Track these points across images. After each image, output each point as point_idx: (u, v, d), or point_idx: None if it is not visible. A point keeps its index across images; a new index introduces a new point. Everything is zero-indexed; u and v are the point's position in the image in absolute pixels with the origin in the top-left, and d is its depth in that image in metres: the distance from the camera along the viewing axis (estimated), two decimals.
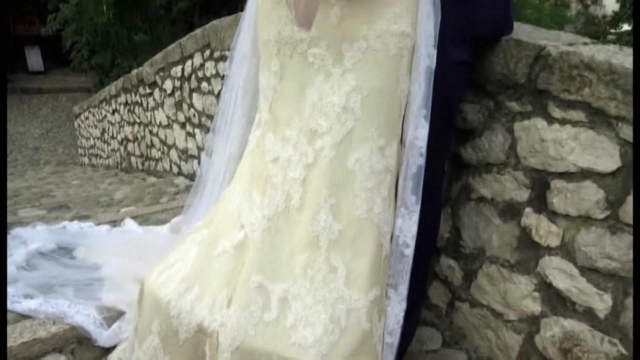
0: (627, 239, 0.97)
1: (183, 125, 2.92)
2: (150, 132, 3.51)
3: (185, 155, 2.97)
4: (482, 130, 1.20)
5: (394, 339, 0.99)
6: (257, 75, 1.10)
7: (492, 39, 1.11)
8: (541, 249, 1.11)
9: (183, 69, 2.75)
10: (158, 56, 3.08)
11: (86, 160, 6.06)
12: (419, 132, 0.98)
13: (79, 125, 6.23)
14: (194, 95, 2.68)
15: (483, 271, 1.25)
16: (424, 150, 0.97)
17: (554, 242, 1.08)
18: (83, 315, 1.29)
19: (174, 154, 3.15)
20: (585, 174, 1.01)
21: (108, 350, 1.24)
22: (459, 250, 1.31)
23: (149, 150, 3.65)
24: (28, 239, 1.71)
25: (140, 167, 3.93)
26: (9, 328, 1.23)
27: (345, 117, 0.93)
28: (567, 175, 1.04)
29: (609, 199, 0.98)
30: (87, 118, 5.64)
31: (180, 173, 3.09)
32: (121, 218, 2.00)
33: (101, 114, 4.86)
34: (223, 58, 2.30)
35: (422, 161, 0.98)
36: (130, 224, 1.84)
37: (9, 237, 1.72)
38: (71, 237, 1.71)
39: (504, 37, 1.10)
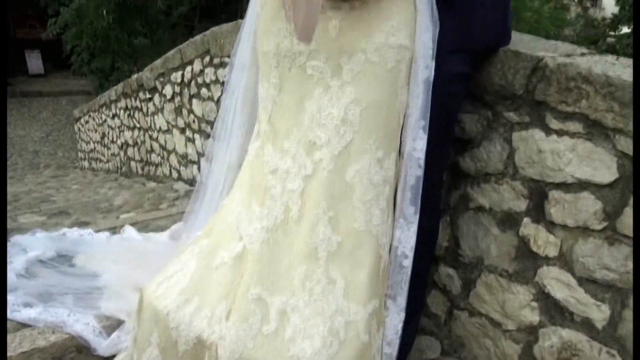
0: (625, 250, 0.97)
1: (183, 131, 2.92)
2: (150, 137, 3.52)
3: (185, 160, 2.98)
4: (481, 140, 1.20)
5: (392, 350, 0.99)
6: (257, 84, 1.10)
7: (489, 51, 1.11)
8: (539, 259, 1.12)
9: (183, 75, 2.76)
10: (158, 61, 3.09)
11: (86, 164, 6.07)
12: (417, 144, 0.98)
13: (79, 129, 6.24)
14: (194, 101, 2.69)
15: (482, 280, 1.25)
16: (422, 161, 0.98)
17: (552, 252, 1.09)
18: (82, 324, 1.29)
19: (173, 159, 3.15)
20: (582, 185, 1.02)
21: (107, 359, 1.25)
22: (457, 259, 1.31)
23: (148, 155, 3.66)
24: (27, 247, 1.71)
25: (140, 171, 3.93)
26: (9, 337, 1.23)
27: (344, 129, 0.93)
28: (564, 186, 1.05)
29: (606, 210, 0.99)
30: (87, 122, 5.64)
31: (180, 178, 3.09)
32: (121, 224, 2.01)
33: (101, 118, 4.87)
34: (223, 65, 2.31)
35: (420, 172, 0.99)
36: (129, 231, 1.84)
37: (8, 244, 1.72)
38: (71, 245, 1.71)
39: (501, 49, 1.11)
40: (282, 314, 0.90)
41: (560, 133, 1.04)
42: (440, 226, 1.27)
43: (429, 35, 0.95)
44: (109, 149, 4.83)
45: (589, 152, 0.99)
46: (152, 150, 3.56)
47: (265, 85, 1.03)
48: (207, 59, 2.45)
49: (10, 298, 1.37)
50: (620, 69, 0.98)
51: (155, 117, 3.31)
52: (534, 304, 1.14)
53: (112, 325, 1.30)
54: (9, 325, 1.29)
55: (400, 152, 1.01)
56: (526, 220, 1.13)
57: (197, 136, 2.75)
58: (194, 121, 2.73)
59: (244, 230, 0.99)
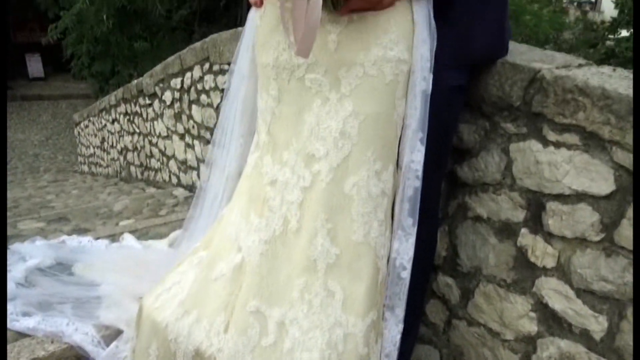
0: (622, 261, 0.97)
1: (182, 137, 2.93)
2: (150, 142, 3.52)
3: (184, 166, 2.98)
4: (478, 150, 1.21)
5: None
6: (256, 95, 1.11)
7: (487, 62, 1.12)
8: (537, 270, 1.12)
9: (182, 81, 2.76)
10: (158, 67, 3.10)
11: (86, 168, 6.07)
12: (415, 156, 0.98)
13: (79, 133, 6.24)
14: (193, 107, 2.69)
15: (480, 290, 1.26)
16: (420, 173, 0.98)
17: (550, 263, 1.09)
18: (81, 334, 1.29)
19: (173, 164, 3.16)
20: (580, 197, 1.02)
21: None
22: (456, 268, 1.31)
23: (148, 160, 3.66)
24: (27, 255, 1.71)
25: (139, 176, 3.94)
26: (7, 347, 1.24)
27: (343, 142, 0.94)
28: (562, 197, 1.05)
29: (603, 222, 0.99)
30: (86, 126, 5.65)
31: (179, 184, 3.10)
32: (120, 232, 2.01)
33: (101, 123, 4.87)
34: (222, 72, 2.32)
35: (418, 184, 0.99)
36: (128, 239, 1.84)
37: (7, 252, 1.72)
38: (70, 253, 1.72)
39: (499, 60, 1.11)
40: (280, 327, 0.90)
41: (557, 145, 1.04)
42: (438, 235, 1.28)
43: (427, 48, 0.96)
44: (108, 153, 4.83)
45: (586, 163, 1.00)
46: (151, 156, 3.57)
47: (265, 97, 1.03)
48: (206, 65, 2.46)
49: (9, 307, 1.37)
50: (617, 81, 0.99)
51: (155, 122, 3.32)
52: (532, 314, 1.14)
53: (111, 334, 1.31)
54: (7, 334, 1.29)
55: (398, 164, 1.01)
56: (524, 230, 1.14)
57: (196, 142, 2.76)
58: (193, 127, 2.74)
59: (243, 242, 0.99)
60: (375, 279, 0.95)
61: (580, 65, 1.11)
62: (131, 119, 3.84)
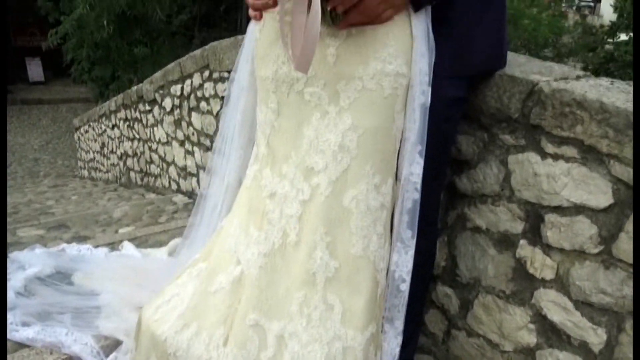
0: (620, 274, 0.98)
1: (182, 143, 2.93)
2: (150, 148, 3.53)
3: (184, 172, 2.99)
4: (477, 161, 1.21)
5: None
6: (255, 107, 1.11)
7: (485, 74, 1.12)
8: (536, 281, 1.12)
9: (182, 88, 2.77)
10: (158, 74, 3.11)
11: (85, 173, 6.07)
12: (414, 168, 0.99)
13: (79, 138, 6.25)
14: (193, 114, 2.70)
15: (479, 301, 1.26)
16: (419, 185, 0.98)
17: (549, 275, 1.09)
18: (80, 345, 1.29)
19: (172, 171, 3.16)
20: (578, 209, 1.02)
21: None
22: (455, 278, 1.31)
23: (148, 166, 3.67)
24: (26, 263, 1.71)
25: (139, 182, 3.94)
26: (7, 358, 1.23)
27: (342, 155, 0.94)
28: (560, 210, 1.05)
29: (602, 235, 0.99)
30: (86, 131, 5.66)
31: (179, 190, 3.10)
32: (119, 240, 2.01)
33: (101, 128, 4.88)
34: (222, 79, 2.33)
35: (417, 196, 0.99)
36: (128, 248, 1.84)
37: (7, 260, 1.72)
38: (69, 262, 1.72)
39: (497, 72, 1.12)
40: (279, 340, 0.90)
41: (555, 157, 1.05)
42: (437, 245, 1.28)
43: (425, 61, 0.96)
44: (108, 159, 4.84)
45: (584, 176, 1.00)
46: (151, 162, 3.57)
47: (264, 110, 1.03)
48: (206, 73, 2.47)
49: (8, 317, 1.37)
50: (615, 94, 0.99)
51: (155, 128, 3.32)
52: (531, 325, 1.14)
53: (110, 345, 1.30)
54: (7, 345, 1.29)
55: (397, 176, 1.01)
56: (523, 242, 1.14)
57: (196, 149, 2.76)
58: (193, 134, 2.75)
59: (242, 255, 1.00)
60: (375, 292, 0.95)
61: (578, 77, 1.12)
62: (131, 124, 3.85)
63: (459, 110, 1.12)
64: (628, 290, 0.97)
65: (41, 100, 11.29)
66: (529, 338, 1.15)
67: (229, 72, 2.19)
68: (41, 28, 10.00)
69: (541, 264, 1.10)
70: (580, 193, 1.01)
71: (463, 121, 1.20)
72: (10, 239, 2.22)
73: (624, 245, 0.96)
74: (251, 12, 1.03)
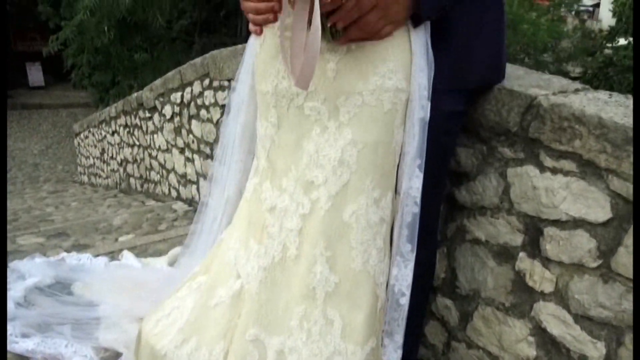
0: (619, 288, 0.98)
1: (182, 151, 2.94)
2: (150, 155, 3.53)
3: (184, 180, 2.99)
4: (476, 174, 1.22)
5: None
6: (255, 121, 1.11)
7: (485, 88, 1.13)
8: (535, 294, 1.12)
9: (182, 96, 2.78)
10: (158, 81, 3.12)
11: (85, 178, 6.08)
12: (414, 182, 0.99)
13: (79, 143, 6.26)
14: (193, 122, 2.71)
15: (479, 313, 1.26)
16: (418, 199, 0.99)
17: (548, 288, 1.10)
18: (80, 357, 1.29)
19: (172, 178, 3.17)
20: (577, 223, 1.03)
21: None
22: (455, 290, 1.32)
23: (148, 173, 3.67)
24: (26, 273, 1.71)
25: (139, 188, 3.94)
26: None
27: (341, 170, 0.94)
28: (559, 223, 1.06)
29: (600, 249, 1.00)
30: (86, 137, 5.67)
31: (179, 198, 3.10)
32: (119, 248, 2.01)
33: (101, 134, 4.89)
34: (222, 88, 2.33)
35: (417, 210, 0.99)
36: (128, 257, 1.85)
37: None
38: (69, 271, 1.72)
39: (496, 86, 1.12)
40: (280, 355, 0.91)
41: (554, 171, 1.05)
42: (437, 257, 1.28)
43: (425, 76, 0.97)
44: (108, 164, 4.84)
45: (582, 190, 1.01)
46: (151, 168, 3.58)
47: (264, 124, 1.04)
48: (206, 81, 2.48)
49: (8, 328, 1.37)
50: (613, 109, 1.00)
51: (155, 135, 3.33)
52: (531, 338, 1.14)
53: (110, 357, 1.31)
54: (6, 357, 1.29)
55: (396, 190, 1.02)
56: (522, 254, 1.14)
57: (196, 156, 2.77)
58: (193, 142, 2.75)
59: (242, 268, 1.00)
60: (374, 307, 0.95)
61: (577, 91, 1.12)
62: (131, 131, 3.85)
63: (458, 123, 1.12)
64: (627, 304, 0.97)
65: (41, 105, 11.31)
66: (529, 351, 1.15)
67: (229, 80, 2.20)
68: (42, 33, 10.03)
69: (540, 277, 1.11)
70: (579, 207, 1.02)
71: (462, 134, 1.20)
72: (10, 247, 2.22)
73: (623, 260, 0.96)
74: (251, 27, 1.04)
